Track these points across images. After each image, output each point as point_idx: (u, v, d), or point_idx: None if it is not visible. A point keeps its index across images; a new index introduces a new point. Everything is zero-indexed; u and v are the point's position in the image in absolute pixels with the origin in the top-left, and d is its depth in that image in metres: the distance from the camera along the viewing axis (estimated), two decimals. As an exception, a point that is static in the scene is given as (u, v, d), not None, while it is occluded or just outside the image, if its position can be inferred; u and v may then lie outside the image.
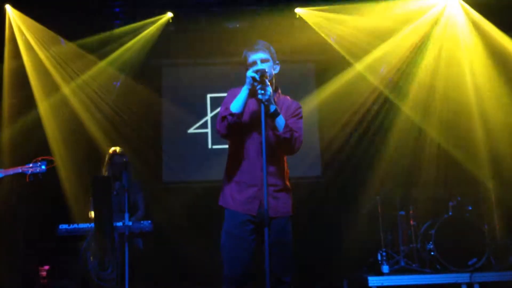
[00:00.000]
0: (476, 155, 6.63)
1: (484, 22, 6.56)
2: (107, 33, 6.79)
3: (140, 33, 6.89)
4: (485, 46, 6.59)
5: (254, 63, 3.18)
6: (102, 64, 6.93)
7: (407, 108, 7.11)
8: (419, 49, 6.91)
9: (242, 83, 3.19)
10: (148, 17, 6.84)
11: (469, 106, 6.74)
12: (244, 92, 3.11)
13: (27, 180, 4.46)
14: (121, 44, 6.91)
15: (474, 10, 6.61)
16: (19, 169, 4.47)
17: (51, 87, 6.78)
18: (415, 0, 6.61)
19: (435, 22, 6.79)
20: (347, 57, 7.04)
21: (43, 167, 4.46)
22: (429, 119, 7.05)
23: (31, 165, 4.45)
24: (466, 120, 6.76)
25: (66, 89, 6.84)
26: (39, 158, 4.49)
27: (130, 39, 6.90)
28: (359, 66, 7.06)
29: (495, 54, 6.55)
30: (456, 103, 6.81)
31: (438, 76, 6.91)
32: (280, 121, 3.10)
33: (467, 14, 6.68)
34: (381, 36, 6.80)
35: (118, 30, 6.85)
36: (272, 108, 3.05)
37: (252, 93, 3.12)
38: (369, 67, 7.09)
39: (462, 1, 6.67)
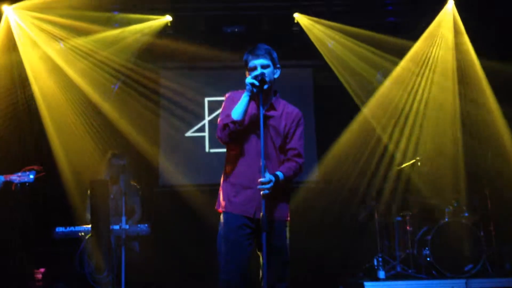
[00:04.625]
0: (473, 162, 6.66)
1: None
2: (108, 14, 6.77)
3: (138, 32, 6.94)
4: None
5: (255, 68, 3.19)
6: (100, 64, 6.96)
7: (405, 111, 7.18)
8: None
9: (240, 87, 3.19)
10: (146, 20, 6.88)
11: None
12: (244, 99, 3.11)
13: (13, 188, 4.41)
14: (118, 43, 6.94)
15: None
16: (7, 178, 4.40)
17: (50, 88, 6.78)
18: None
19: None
20: (343, 64, 7.11)
21: (31, 176, 4.39)
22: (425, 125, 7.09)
23: (19, 174, 4.39)
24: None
25: (64, 91, 6.85)
26: (28, 168, 4.43)
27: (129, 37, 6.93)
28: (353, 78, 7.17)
29: None
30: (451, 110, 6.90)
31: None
32: (284, 178, 3.11)
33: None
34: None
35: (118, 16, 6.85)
36: (280, 176, 3.09)
37: (251, 97, 3.13)
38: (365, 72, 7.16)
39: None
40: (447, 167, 6.72)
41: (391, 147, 7.19)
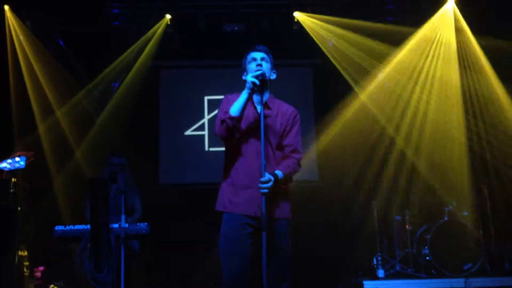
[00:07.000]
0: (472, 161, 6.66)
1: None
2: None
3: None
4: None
5: (254, 59, 3.26)
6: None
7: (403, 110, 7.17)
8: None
9: (240, 86, 3.20)
10: (146, 18, 6.86)
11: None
12: (244, 96, 3.14)
13: (4, 176, 4.20)
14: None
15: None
16: None
17: (48, 88, 6.78)
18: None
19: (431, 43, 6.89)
20: (343, 64, 7.08)
21: (22, 162, 4.12)
22: (424, 125, 7.08)
23: (9, 160, 4.13)
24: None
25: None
26: (17, 153, 4.19)
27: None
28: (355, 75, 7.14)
29: None
30: (450, 109, 6.88)
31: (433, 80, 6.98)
32: (284, 176, 3.13)
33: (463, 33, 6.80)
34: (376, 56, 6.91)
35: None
36: (279, 175, 3.10)
37: (251, 97, 3.17)
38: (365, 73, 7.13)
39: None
40: (448, 165, 6.73)
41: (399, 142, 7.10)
